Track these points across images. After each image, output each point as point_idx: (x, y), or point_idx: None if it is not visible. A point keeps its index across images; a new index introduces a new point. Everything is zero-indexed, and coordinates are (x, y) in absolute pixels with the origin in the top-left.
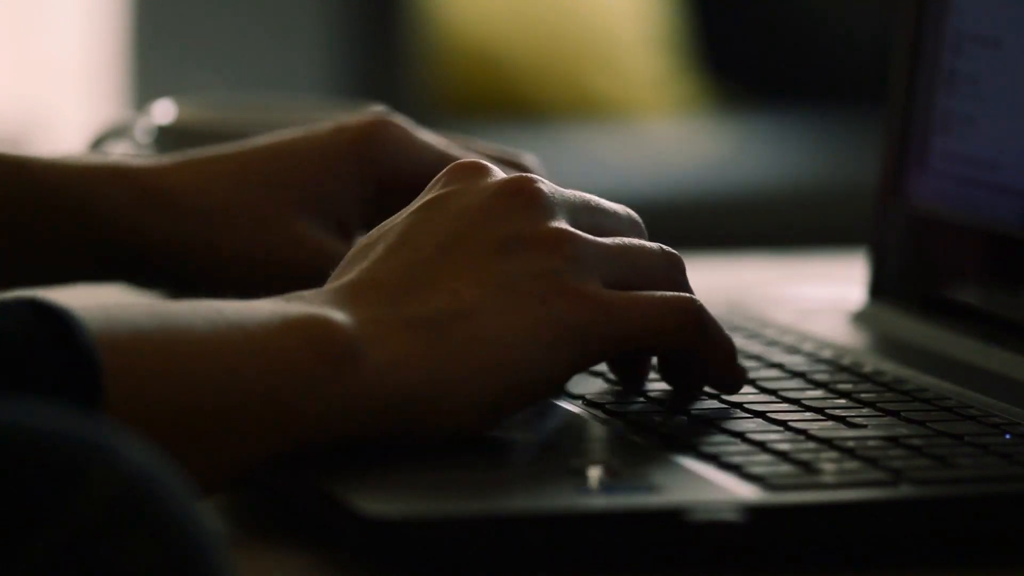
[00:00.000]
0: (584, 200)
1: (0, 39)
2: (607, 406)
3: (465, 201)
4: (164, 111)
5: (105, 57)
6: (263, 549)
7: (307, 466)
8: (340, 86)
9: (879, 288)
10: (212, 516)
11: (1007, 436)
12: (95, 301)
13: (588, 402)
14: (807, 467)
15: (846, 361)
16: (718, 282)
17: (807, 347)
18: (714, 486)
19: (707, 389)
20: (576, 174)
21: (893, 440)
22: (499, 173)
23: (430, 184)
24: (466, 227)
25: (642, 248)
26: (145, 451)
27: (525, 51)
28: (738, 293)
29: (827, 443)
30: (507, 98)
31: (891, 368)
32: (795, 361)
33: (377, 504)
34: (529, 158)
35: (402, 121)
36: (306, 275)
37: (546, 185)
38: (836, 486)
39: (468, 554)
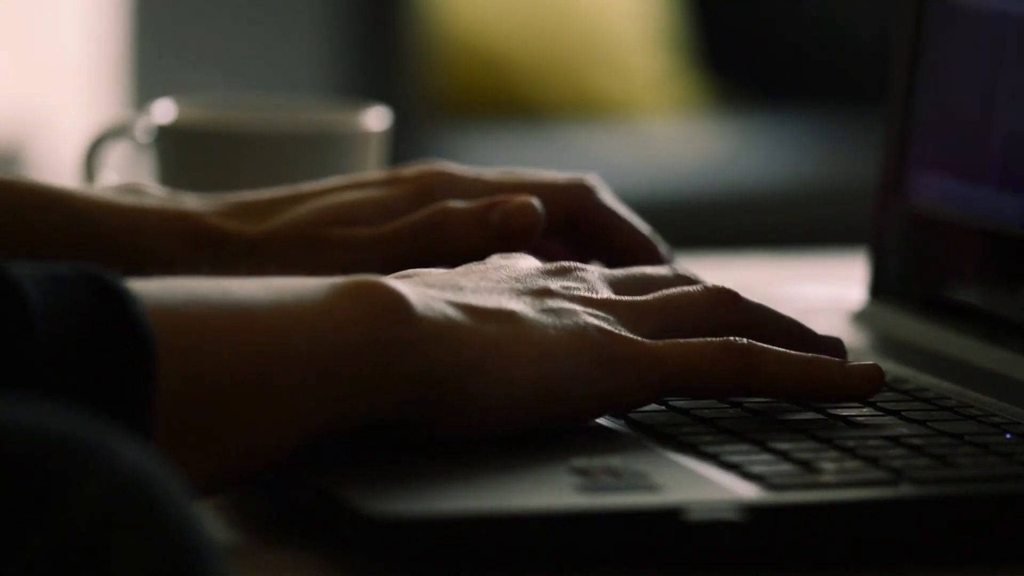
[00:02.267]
0: (628, 274)
1: (0, 39)
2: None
3: (507, 264)
4: (164, 111)
5: (105, 57)
6: (263, 549)
7: (308, 466)
8: (340, 86)
9: (879, 288)
10: (208, 517)
11: (1007, 436)
12: None
13: None
14: (807, 466)
15: None
16: (718, 282)
17: None
18: (714, 485)
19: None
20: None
21: (893, 439)
22: (537, 263)
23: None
24: (522, 277)
25: (685, 295)
26: (142, 451)
27: (525, 51)
28: None
29: (827, 442)
30: (507, 98)
31: (891, 368)
32: None
33: (377, 504)
34: (588, 179)
35: (449, 167)
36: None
37: (595, 268)
38: (836, 485)
39: (468, 554)
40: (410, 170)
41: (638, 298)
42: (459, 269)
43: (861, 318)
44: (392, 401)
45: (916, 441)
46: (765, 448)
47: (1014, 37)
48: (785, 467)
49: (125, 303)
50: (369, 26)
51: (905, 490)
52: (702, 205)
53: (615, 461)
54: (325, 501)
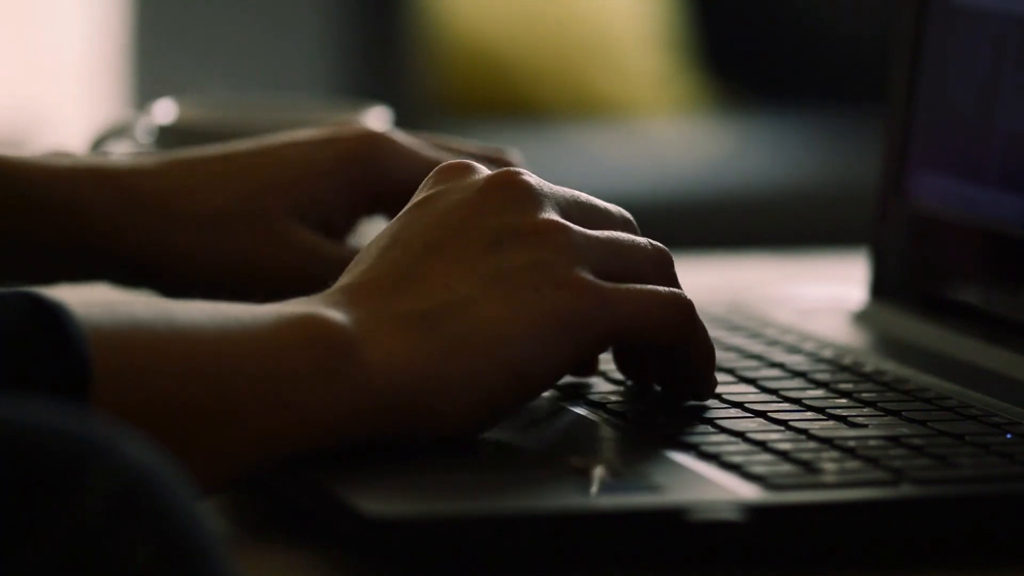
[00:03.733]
0: (574, 195)
1: (1, 38)
2: (609, 406)
3: (453, 198)
4: (165, 111)
5: (106, 57)
6: (263, 549)
7: (307, 466)
8: (340, 86)
9: (880, 288)
10: (211, 514)
11: (1008, 436)
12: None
13: (590, 402)
14: (808, 467)
15: (847, 361)
16: (718, 282)
17: (808, 347)
18: (715, 486)
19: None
20: (576, 174)
21: (894, 440)
22: (485, 171)
23: (420, 187)
24: (455, 223)
25: (632, 242)
26: (145, 448)
27: (525, 51)
28: (738, 293)
29: (828, 443)
30: (507, 98)
31: (892, 368)
32: (796, 361)
33: (377, 504)
34: (514, 154)
35: (391, 134)
36: (297, 278)
37: (533, 178)
38: (837, 486)
39: (468, 554)
40: (347, 130)
41: (588, 231)
42: (401, 225)
43: (861, 318)
44: (353, 428)
45: (917, 441)
46: (766, 448)
47: (1014, 37)
48: (786, 467)
49: (62, 324)
50: (369, 26)
51: (906, 490)
52: (702, 205)
53: (616, 462)
54: (325, 501)
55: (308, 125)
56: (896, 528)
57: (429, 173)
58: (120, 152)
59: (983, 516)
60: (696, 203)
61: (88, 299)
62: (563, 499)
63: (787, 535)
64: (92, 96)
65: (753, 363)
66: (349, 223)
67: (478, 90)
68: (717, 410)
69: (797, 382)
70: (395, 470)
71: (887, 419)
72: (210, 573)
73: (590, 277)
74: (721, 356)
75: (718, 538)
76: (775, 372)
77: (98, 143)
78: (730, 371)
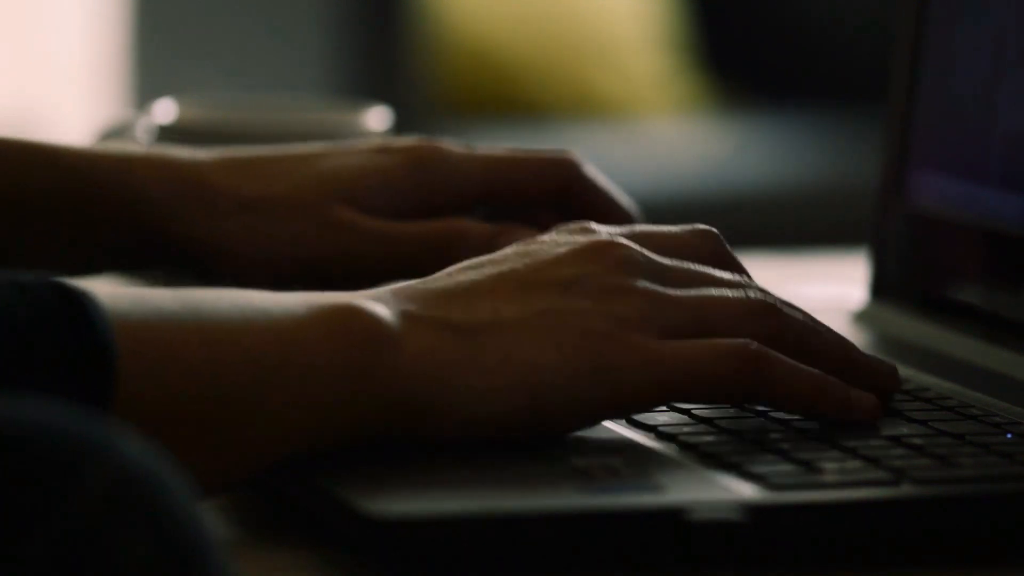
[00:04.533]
0: (680, 266)
1: (1, 38)
2: None
3: (546, 247)
4: (165, 110)
5: (106, 56)
6: (263, 549)
7: (308, 466)
8: (340, 86)
9: (880, 288)
10: (209, 512)
11: (1008, 435)
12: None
13: None
14: (808, 466)
15: None
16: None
17: None
18: (715, 485)
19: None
20: None
21: (894, 439)
22: (602, 234)
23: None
24: (532, 264)
25: (719, 300)
26: (142, 447)
27: (526, 51)
28: None
29: (828, 442)
30: (507, 98)
31: None
32: None
33: (378, 504)
34: (572, 155)
35: (442, 143)
36: (345, 257)
37: (631, 249)
38: (837, 485)
39: (468, 554)
40: (401, 141)
41: (667, 291)
42: (491, 256)
43: (861, 318)
44: (370, 424)
45: (917, 441)
46: (766, 448)
47: (1015, 37)
48: (786, 467)
49: (88, 313)
50: (369, 26)
51: (906, 490)
52: (703, 205)
53: (615, 461)
54: (325, 501)
55: (308, 125)
56: (896, 528)
57: (485, 174)
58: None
59: (983, 516)
60: (696, 203)
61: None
62: (564, 499)
63: (787, 535)
64: (92, 96)
65: None
66: (395, 212)
67: (478, 90)
68: (717, 410)
69: None
70: (395, 470)
71: (887, 419)
72: (208, 573)
73: (642, 338)
74: None
75: (718, 538)
76: None
77: (98, 143)
78: None
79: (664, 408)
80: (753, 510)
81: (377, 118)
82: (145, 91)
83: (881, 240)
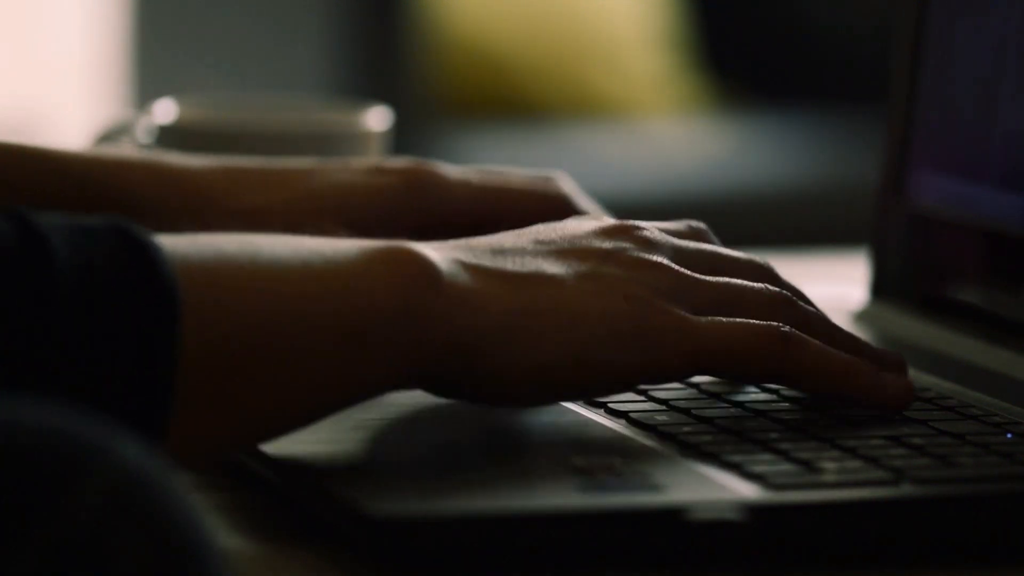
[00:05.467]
0: (700, 249)
1: (1, 38)
2: (608, 405)
3: (571, 227)
4: (165, 110)
5: (106, 56)
6: (264, 549)
7: (309, 466)
8: (340, 86)
9: (880, 288)
10: (208, 514)
11: (1008, 435)
12: None
13: (590, 402)
14: (808, 466)
15: None
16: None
17: None
18: (715, 485)
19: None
20: (576, 174)
21: (894, 439)
22: (617, 220)
23: None
24: (568, 238)
25: (743, 288)
26: (142, 449)
27: (526, 51)
28: None
29: (828, 442)
30: (507, 98)
31: None
32: None
33: (379, 504)
34: (562, 176)
35: (437, 167)
36: None
37: (653, 230)
38: (837, 485)
39: (468, 554)
40: (396, 163)
41: (694, 274)
42: (529, 229)
43: (862, 318)
44: (417, 367)
45: (917, 441)
46: (766, 448)
47: (1015, 37)
48: (786, 467)
49: (152, 257)
50: (369, 26)
51: (906, 490)
52: (702, 205)
53: (615, 461)
54: (327, 501)
55: (308, 125)
56: (896, 528)
57: (478, 202)
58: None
59: (983, 516)
60: (696, 203)
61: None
62: (564, 499)
63: (787, 535)
64: (92, 96)
65: None
66: (387, 230)
67: (478, 90)
68: (717, 409)
69: None
70: (395, 470)
71: (887, 419)
72: (207, 575)
73: (680, 309)
74: None
75: (718, 538)
76: None
77: (99, 143)
78: None
79: (664, 408)
80: (753, 510)
81: (377, 118)
82: (145, 91)
83: (881, 240)
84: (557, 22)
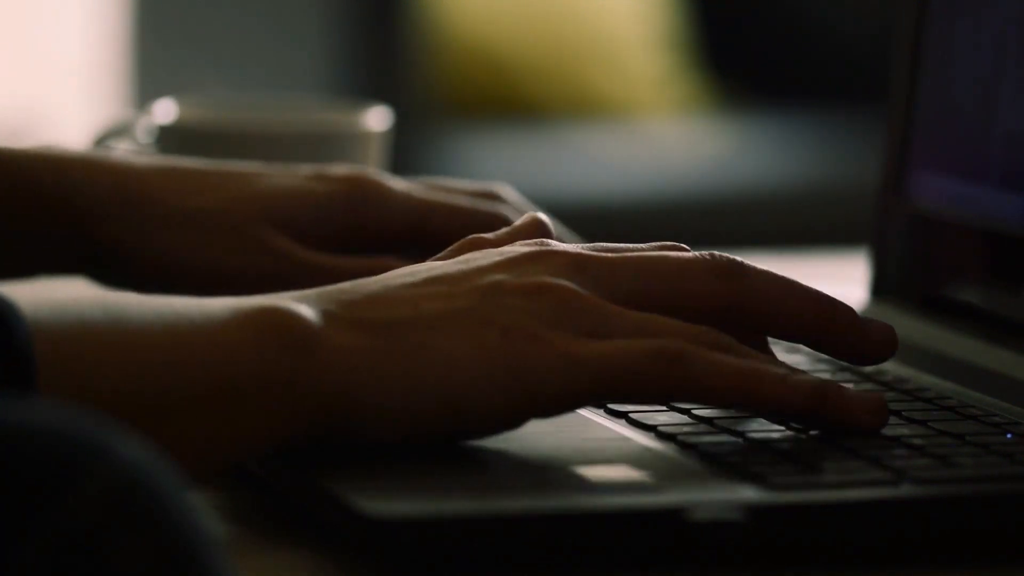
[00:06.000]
0: (616, 247)
1: (1, 38)
2: (608, 405)
3: (489, 255)
4: (165, 111)
5: (107, 56)
6: (263, 549)
7: (307, 466)
8: (340, 86)
9: (880, 288)
10: (209, 515)
11: (1008, 435)
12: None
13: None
14: (808, 466)
15: None
16: None
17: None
18: (715, 486)
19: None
20: (576, 174)
21: (894, 440)
22: (555, 244)
23: None
24: (467, 269)
25: (668, 259)
26: (141, 448)
27: (526, 51)
28: None
29: (828, 442)
30: (507, 98)
31: (892, 367)
32: (796, 360)
33: (378, 504)
34: (505, 189)
35: (379, 177)
36: (272, 282)
37: (569, 249)
38: (837, 485)
39: (468, 554)
40: (339, 170)
41: (608, 255)
42: (423, 264)
43: None
44: (293, 425)
45: (917, 441)
46: (766, 448)
47: (1015, 37)
48: (786, 467)
49: (8, 325)
50: (369, 26)
51: (906, 490)
52: (702, 205)
53: (616, 461)
54: (325, 501)
55: (308, 125)
56: (896, 528)
57: (418, 218)
58: (125, 150)
59: (983, 516)
60: (696, 203)
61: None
62: (563, 499)
63: (787, 535)
64: (92, 96)
65: None
66: (326, 240)
67: (478, 90)
68: (717, 410)
69: None
70: (395, 470)
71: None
72: (206, 572)
73: (565, 338)
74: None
75: (718, 538)
76: None
77: (98, 143)
78: None
79: (664, 408)
80: (753, 510)
81: (377, 118)
82: (145, 91)
83: (881, 240)
84: (557, 22)
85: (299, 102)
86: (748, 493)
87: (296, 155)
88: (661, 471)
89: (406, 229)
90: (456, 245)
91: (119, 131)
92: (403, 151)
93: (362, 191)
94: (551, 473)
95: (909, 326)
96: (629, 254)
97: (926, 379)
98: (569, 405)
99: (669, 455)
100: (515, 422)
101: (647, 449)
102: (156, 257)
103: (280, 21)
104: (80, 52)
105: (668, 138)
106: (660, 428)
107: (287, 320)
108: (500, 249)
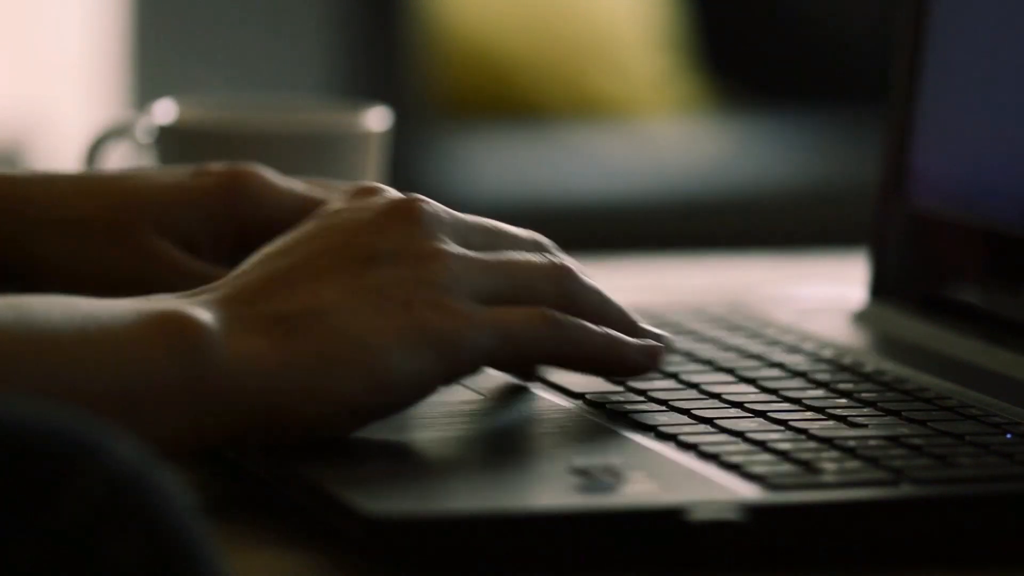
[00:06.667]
0: (477, 222)
1: (1, 38)
2: (608, 406)
3: (348, 216)
4: (165, 111)
5: (106, 57)
6: (263, 549)
7: (307, 466)
8: (340, 86)
9: (880, 288)
10: (205, 514)
11: (1008, 436)
12: None
13: (589, 402)
14: (808, 466)
15: (847, 361)
16: (718, 282)
17: (808, 347)
18: (715, 486)
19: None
20: (576, 174)
21: (894, 440)
22: (393, 195)
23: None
24: (340, 239)
25: (526, 262)
26: (135, 449)
27: (525, 51)
28: (738, 293)
29: (828, 442)
30: (507, 98)
31: (892, 368)
32: (796, 361)
33: (377, 503)
34: (383, 188)
35: (260, 170)
36: (156, 289)
37: (432, 206)
38: (837, 486)
39: (468, 554)
40: (217, 166)
41: (477, 255)
42: (293, 235)
43: (861, 318)
44: (209, 434)
45: (916, 441)
46: (765, 448)
47: (1015, 37)
48: (786, 467)
49: None
50: (369, 26)
51: (905, 490)
52: (702, 205)
53: (615, 461)
54: (325, 501)
55: (308, 125)
56: (896, 528)
57: (302, 208)
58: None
59: (983, 516)
60: (696, 203)
61: None
62: (564, 499)
63: (787, 535)
64: (92, 96)
65: (753, 363)
66: (216, 250)
67: (478, 90)
68: (717, 410)
69: (797, 382)
70: (395, 470)
71: (887, 419)
72: (200, 571)
73: (461, 302)
74: (721, 356)
75: (718, 538)
76: (775, 372)
77: (98, 143)
78: (730, 371)
79: (664, 408)
80: (753, 510)
81: (377, 118)
82: (145, 91)
83: (881, 240)
84: (557, 22)
85: (299, 102)
86: (748, 493)
87: (296, 155)
88: (661, 471)
89: (285, 222)
90: (311, 218)
91: (119, 131)
92: (403, 151)
93: (238, 184)
94: (551, 473)
95: (909, 326)
96: (488, 257)
97: (926, 379)
98: (483, 363)
99: (669, 455)
100: (432, 389)
101: (647, 449)
102: (36, 266)
103: (280, 21)
104: (80, 52)
105: (668, 138)
106: (660, 428)
107: (186, 327)
108: (360, 206)
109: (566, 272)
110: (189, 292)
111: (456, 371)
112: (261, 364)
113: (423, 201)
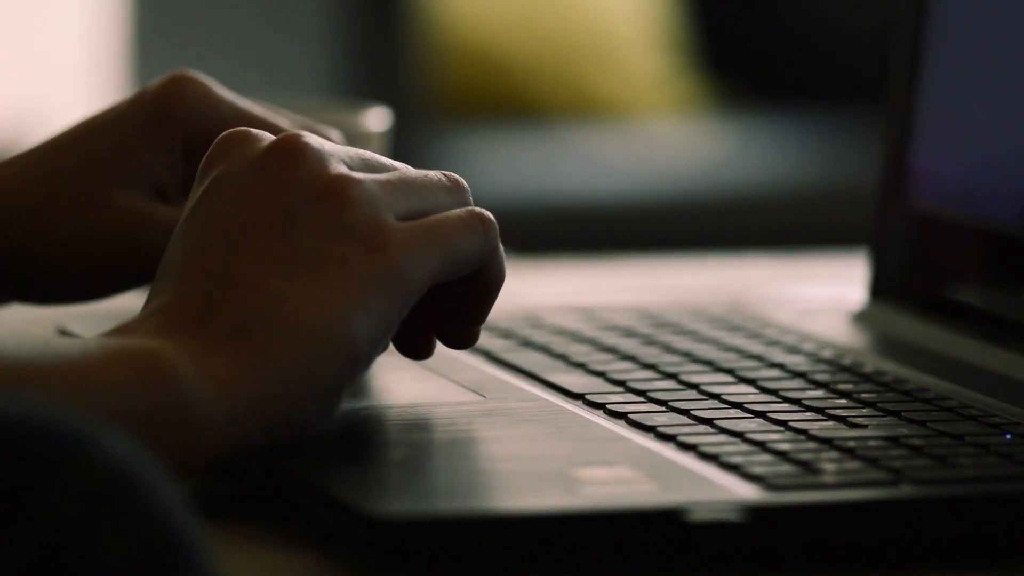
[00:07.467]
0: (357, 152)
1: (1, 37)
2: (607, 406)
3: (238, 180)
4: None
5: (106, 55)
6: (263, 549)
7: (307, 466)
8: (340, 86)
9: (879, 288)
10: (197, 512)
11: (1008, 436)
12: None
13: (588, 402)
14: (807, 467)
15: (847, 361)
16: (718, 282)
17: (808, 347)
18: (714, 486)
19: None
20: (576, 174)
21: (894, 440)
22: (266, 138)
23: (203, 161)
24: (245, 208)
25: (423, 177)
26: (127, 443)
27: (525, 51)
28: (738, 293)
29: (828, 443)
30: (507, 98)
31: (892, 368)
32: (796, 361)
33: (378, 504)
34: (334, 132)
35: (201, 77)
36: (135, 247)
37: (313, 139)
38: (836, 486)
39: (468, 554)
40: (155, 82)
41: (377, 176)
42: (198, 218)
43: (861, 318)
44: (205, 457)
45: (916, 441)
46: (765, 448)
47: (1015, 37)
48: (785, 467)
49: None
50: (369, 26)
51: (905, 490)
52: (702, 205)
53: (615, 461)
54: (325, 501)
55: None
56: (896, 528)
57: (240, 122)
58: None
59: (983, 516)
60: (696, 203)
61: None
62: (563, 499)
63: (787, 535)
64: (92, 95)
65: (753, 363)
66: (179, 178)
67: (478, 90)
68: (717, 410)
69: (797, 382)
70: (395, 470)
71: (887, 419)
72: (193, 572)
73: (391, 223)
74: (721, 356)
75: (718, 538)
76: (775, 372)
77: None
78: (730, 371)
79: (664, 408)
80: (753, 510)
81: (377, 118)
82: None
83: (881, 240)
84: (557, 22)
85: (299, 102)
86: (747, 493)
87: None
88: (661, 471)
89: (223, 124)
90: (208, 155)
91: None
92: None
93: (175, 91)
94: (550, 473)
95: (909, 326)
96: (394, 178)
97: (926, 379)
98: (435, 280)
99: (669, 455)
100: (398, 321)
101: (647, 449)
102: (20, 250)
103: (280, 21)
104: (80, 51)
105: (668, 138)
106: (660, 428)
107: (161, 369)
108: (254, 155)
109: (459, 183)
110: (140, 318)
111: (409, 301)
112: (238, 383)
113: (299, 135)
